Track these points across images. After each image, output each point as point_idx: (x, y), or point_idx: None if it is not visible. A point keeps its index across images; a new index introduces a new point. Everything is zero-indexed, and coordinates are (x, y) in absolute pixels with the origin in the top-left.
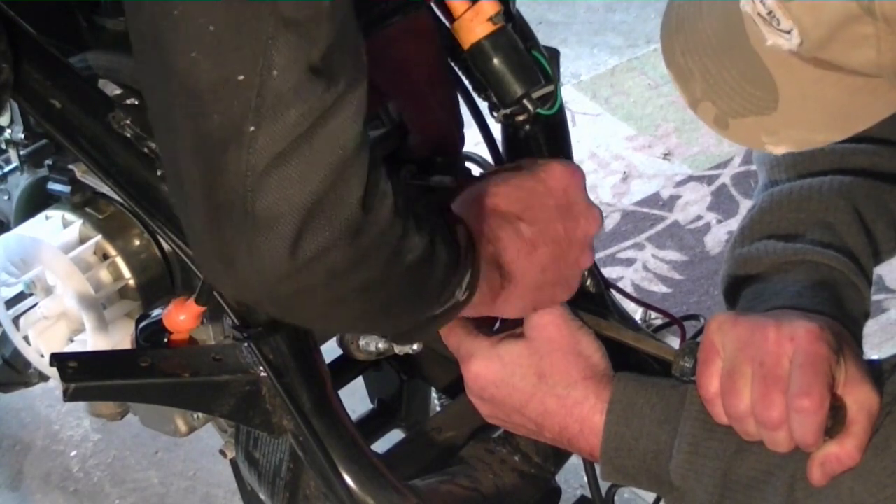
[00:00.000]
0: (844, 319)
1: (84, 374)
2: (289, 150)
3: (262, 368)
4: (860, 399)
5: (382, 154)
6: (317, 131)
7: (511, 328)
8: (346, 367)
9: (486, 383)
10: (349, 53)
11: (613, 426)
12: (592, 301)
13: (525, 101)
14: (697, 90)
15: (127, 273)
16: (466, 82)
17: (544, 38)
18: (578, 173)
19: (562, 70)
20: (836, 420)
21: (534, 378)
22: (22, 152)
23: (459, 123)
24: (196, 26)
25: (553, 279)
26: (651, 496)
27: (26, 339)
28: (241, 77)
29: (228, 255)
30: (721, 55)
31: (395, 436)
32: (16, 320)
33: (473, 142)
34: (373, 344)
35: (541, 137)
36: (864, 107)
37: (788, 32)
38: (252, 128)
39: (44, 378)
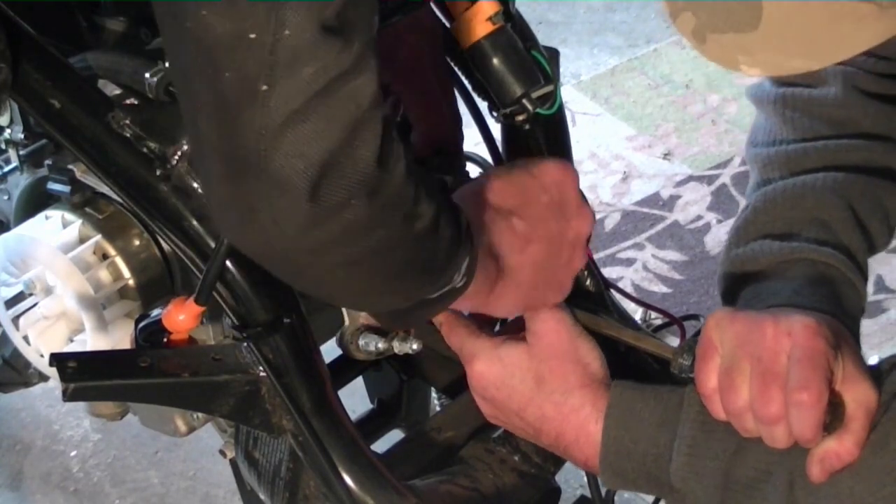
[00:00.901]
0: (842, 316)
1: (84, 374)
2: (304, 108)
3: (261, 368)
4: (858, 395)
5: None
6: (334, 89)
7: (513, 332)
8: (346, 367)
9: (488, 383)
10: (365, 12)
11: (612, 430)
12: (592, 301)
13: (524, 101)
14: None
15: (126, 273)
16: (466, 82)
17: (544, 38)
18: (572, 172)
19: (562, 70)
20: (834, 416)
21: (532, 382)
22: (22, 152)
23: (459, 123)
24: None
25: (545, 277)
26: (651, 496)
27: (26, 339)
28: (253, 35)
29: (247, 211)
30: None
31: (395, 436)
32: (16, 320)
33: (473, 142)
34: (373, 344)
35: (540, 137)
36: (847, 36)
37: None
38: (265, 87)
39: (44, 378)
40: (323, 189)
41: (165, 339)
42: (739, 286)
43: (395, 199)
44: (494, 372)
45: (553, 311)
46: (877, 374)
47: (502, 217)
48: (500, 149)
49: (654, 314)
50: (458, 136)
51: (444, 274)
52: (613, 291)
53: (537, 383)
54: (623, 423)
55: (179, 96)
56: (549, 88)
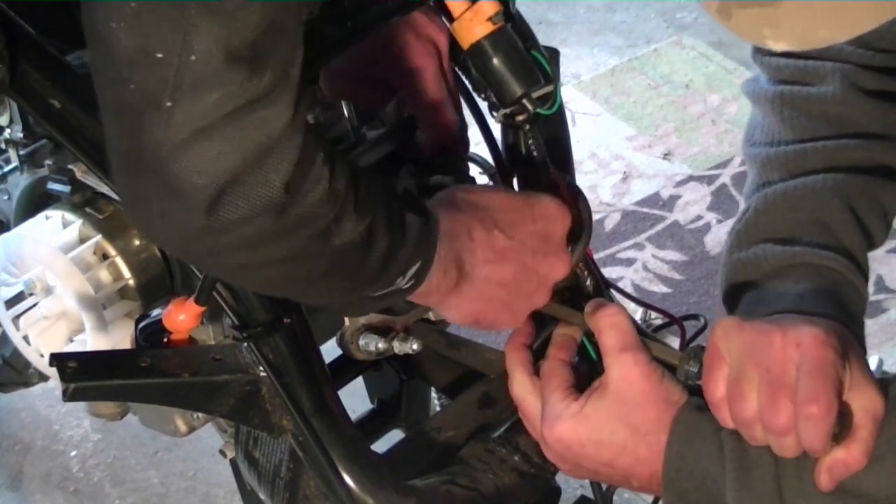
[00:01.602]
0: (847, 321)
1: (84, 374)
2: (209, 128)
3: (261, 368)
4: (865, 403)
5: (334, 139)
6: (241, 116)
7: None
8: (346, 367)
9: (571, 443)
10: (282, 43)
11: (675, 445)
12: None
13: (525, 101)
14: None
15: (127, 273)
16: (466, 82)
17: (544, 38)
18: (567, 214)
19: (562, 70)
20: (842, 425)
21: (626, 432)
22: (22, 152)
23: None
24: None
25: (505, 301)
26: (650, 497)
27: (26, 339)
28: (160, 55)
29: (142, 210)
30: None
31: (395, 436)
32: (16, 320)
33: (473, 142)
34: (372, 344)
35: (541, 137)
36: (870, 6)
37: None
38: (169, 103)
39: (44, 378)
40: (221, 206)
41: (165, 339)
42: (741, 290)
43: (305, 221)
44: (581, 432)
45: (632, 353)
46: (883, 381)
47: (486, 227)
48: (500, 149)
49: (654, 314)
50: (465, 137)
51: (378, 280)
52: (613, 291)
53: (631, 431)
54: (687, 438)
55: (96, 89)
56: (550, 88)
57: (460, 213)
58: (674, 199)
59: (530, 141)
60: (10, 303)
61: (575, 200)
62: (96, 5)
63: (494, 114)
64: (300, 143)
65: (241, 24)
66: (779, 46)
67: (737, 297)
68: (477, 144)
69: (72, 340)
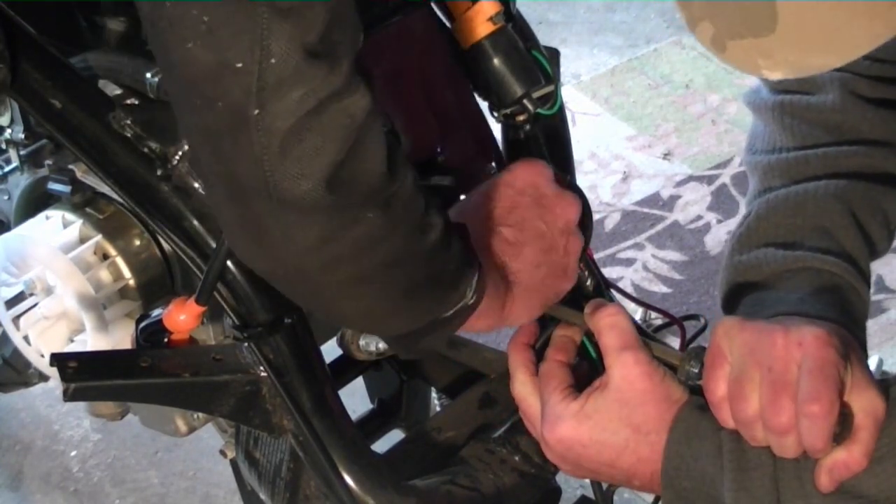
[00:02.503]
0: (848, 324)
1: (84, 374)
2: (297, 127)
3: (262, 368)
4: (866, 404)
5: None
6: (327, 108)
7: (554, 353)
8: (346, 367)
9: (573, 444)
10: (349, 32)
11: (675, 444)
12: None
13: (525, 101)
14: (696, 9)
15: (127, 273)
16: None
17: (544, 38)
18: (543, 167)
19: (562, 70)
20: (843, 426)
21: (627, 431)
22: (22, 152)
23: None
24: (190, 17)
25: (549, 273)
26: (650, 496)
27: (26, 339)
28: (240, 65)
29: (257, 231)
30: None
31: (395, 436)
32: (16, 320)
33: None
34: (373, 344)
35: (541, 137)
36: (862, 30)
37: None
38: (256, 111)
39: (44, 378)
40: (336, 201)
41: (166, 339)
42: (742, 294)
43: (407, 209)
44: (582, 432)
45: (633, 352)
46: (884, 384)
47: (491, 230)
48: (501, 149)
49: (654, 314)
50: (486, 150)
51: (457, 289)
52: (613, 291)
53: (633, 430)
54: (686, 438)
55: (181, 126)
56: (550, 88)
57: (474, 223)
58: (674, 199)
59: (531, 141)
60: (11, 303)
61: None
62: (166, 30)
63: (495, 114)
64: (380, 126)
65: (311, 20)
66: (774, 76)
67: (737, 299)
68: None
69: (72, 340)
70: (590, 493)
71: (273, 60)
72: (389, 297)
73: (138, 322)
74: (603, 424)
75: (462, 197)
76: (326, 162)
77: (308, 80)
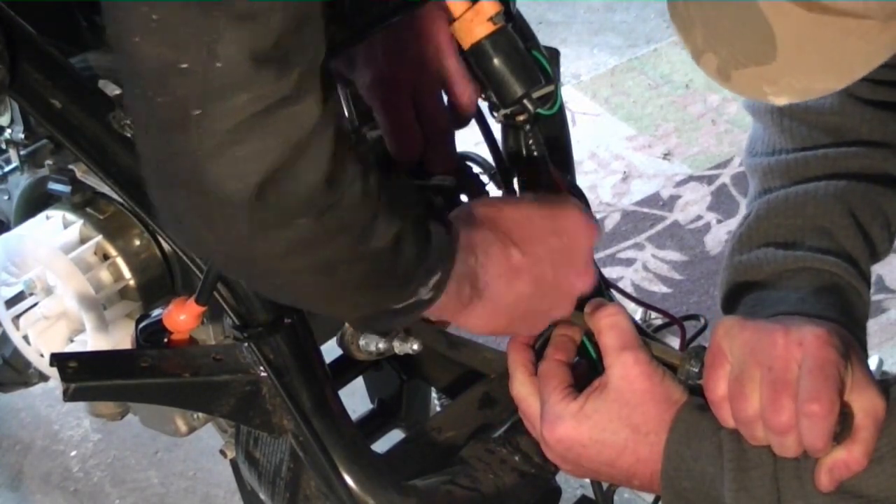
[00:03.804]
0: (849, 324)
1: (84, 374)
2: (239, 129)
3: (262, 368)
4: (866, 404)
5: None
6: (271, 115)
7: (552, 358)
8: (346, 367)
9: (573, 444)
10: (307, 37)
11: (674, 445)
12: None
13: (525, 101)
14: (699, 41)
15: (127, 273)
16: None
17: (544, 38)
18: (595, 227)
19: (562, 70)
20: (843, 426)
21: (627, 432)
22: (22, 152)
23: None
24: (140, 13)
25: (522, 314)
26: (651, 496)
27: (26, 338)
28: (185, 66)
29: (188, 227)
30: (720, 4)
31: (395, 436)
32: (16, 320)
33: (473, 142)
34: (373, 344)
35: (541, 137)
36: (859, 52)
37: None
38: (198, 111)
39: (44, 378)
40: (262, 207)
41: (166, 340)
42: (741, 293)
43: (346, 220)
44: (582, 432)
45: (633, 352)
46: (884, 384)
47: (500, 243)
48: (501, 149)
49: (654, 314)
50: (421, 152)
51: (405, 289)
52: (613, 291)
53: (632, 430)
54: (686, 438)
55: (128, 110)
56: (550, 89)
57: (477, 228)
58: (674, 199)
59: (531, 141)
60: (11, 303)
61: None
62: (118, 21)
63: (495, 114)
64: (333, 136)
65: (266, 26)
66: (780, 101)
67: (736, 299)
68: (477, 144)
69: (72, 340)
70: (590, 493)
71: (219, 65)
72: (325, 291)
73: (138, 322)
74: (602, 424)
75: (463, 198)
76: (262, 168)
77: (254, 87)
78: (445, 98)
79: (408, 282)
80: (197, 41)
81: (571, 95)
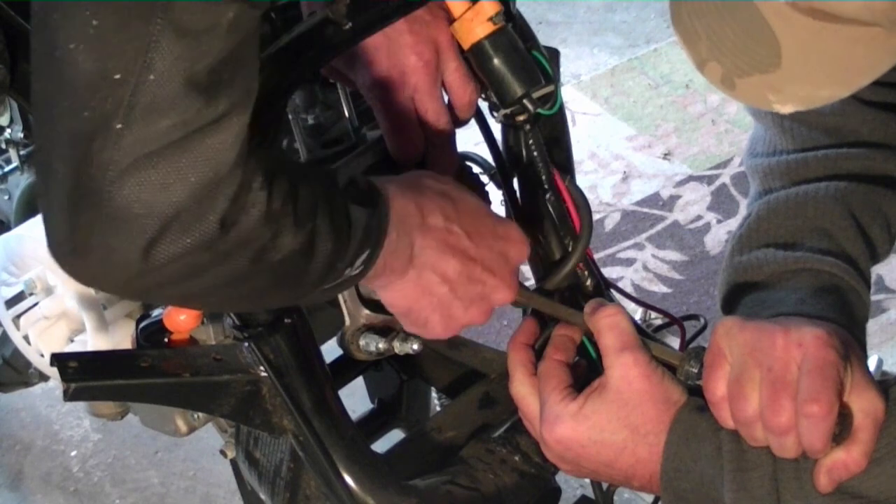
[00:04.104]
0: (849, 325)
1: (84, 373)
2: (155, 155)
3: (262, 368)
4: (866, 405)
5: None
6: (190, 144)
7: (552, 361)
8: (346, 367)
9: (572, 444)
10: (240, 75)
11: (673, 446)
12: None
13: (525, 101)
14: (703, 50)
15: None
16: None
17: (544, 38)
18: (526, 247)
19: (562, 70)
20: (842, 426)
21: (626, 432)
22: (22, 152)
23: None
24: (80, 18)
25: (441, 299)
26: (650, 497)
27: (26, 338)
28: (118, 76)
29: (80, 246)
30: (724, 14)
31: (395, 436)
32: (16, 320)
33: (473, 142)
34: (373, 344)
35: (541, 137)
36: (865, 59)
37: None
38: (120, 125)
39: (44, 378)
40: (161, 240)
41: (166, 339)
42: (741, 294)
43: (241, 246)
44: (581, 432)
45: (632, 353)
46: (884, 384)
47: (445, 216)
48: (501, 149)
49: (654, 314)
50: (422, 153)
51: (328, 276)
52: (613, 291)
53: (631, 431)
54: (685, 439)
55: (34, 116)
56: (550, 88)
57: (421, 195)
58: (674, 199)
59: (531, 141)
60: (11, 303)
61: (575, 200)
62: (54, 28)
63: (495, 114)
64: (240, 177)
65: (205, 48)
66: (786, 109)
67: (736, 299)
68: (477, 144)
69: (72, 340)
70: (590, 493)
71: (152, 77)
72: (232, 301)
73: (138, 322)
74: (602, 425)
75: None
76: (171, 200)
77: (180, 110)
78: (445, 98)
79: (327, 273)
80: (135, 49)
81: (571, 95)
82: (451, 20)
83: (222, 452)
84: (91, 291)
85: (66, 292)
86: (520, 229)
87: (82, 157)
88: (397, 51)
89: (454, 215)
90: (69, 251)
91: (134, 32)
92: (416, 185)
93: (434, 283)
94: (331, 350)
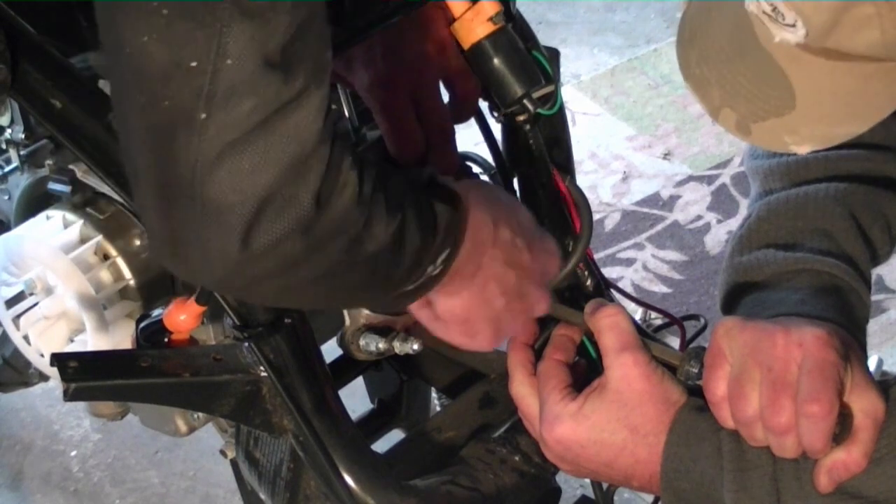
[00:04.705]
0: (849, 326)
1: (84, 373)
2: (242, 141)
3: (262, 368)
4: (866, 405)
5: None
6: (274, 125)
7: (551, 362)
8: (346, 367)
9: (571, 445)
10: (312, 49)
11: (673, 446)
12: None
13: (525, 101)
14: (716, 98)
15: (127, 273)
16: None
17: (544, 38)
18: (559, 263)
19: (562, 70)
20: (842, 427)
21: (625, 432)
22: (22, 152)
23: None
24: (148, 10)
25: (497, 311)
26: (650, 497)
27: (26, 338)
28: (194, 63)
29: (178, 243)
30: (735, 60)
31: (395, 436)
32: (16, 320)
33: (473, 142)
34: (373, 344)
35: (541, 137)
36: (879, 94)
37: (793, 25)
38: (203, 115)
39: (44, 378)
40: (257, 226)
41: (166, 340)
42: (741, 294)
43: (335, 232)
44: (581, 432)
45: (632, 353)
46: (884, 385)
47: (511, 231)
48: (501, 149)
49: (654, 314)
50: (423, 154)
51: (413, 274)
52: (613, 291)
53: (631, 431)
54: (685, 439)
55: (116, 117)
56: (550, 88)
57: (493, 206)
58: (674, 199)
59: (531, 141)
60: (11, 303)
61: (575, 200)
62: (121, 22)
63: (495, 114)
64: (328, 152)
65: (274, 25)
66: (803, 150)
67: (736, 300)
68: (477, 144)
69: (72, 340)
70: (590, 493)
71: (229, 62)
72: (327, 297)
73: (138, 322)
74: (601, 425)
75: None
76: (261, 183)
77: (260, 91)
78: (445, 97)
79: (415, 269)
80: (207, 35)
81: (571, 95)
82: (451, 20)
83: (222, 452)
84: (91, 291)
85: (66, 292)
86: (553, 242)
87: (167, 153)
88: (397, 51)
89: (518, 229)
90: (168, 250)
91: (202, 19)
92: (488, 195)
93: (495, 295)
94: (331, 350)
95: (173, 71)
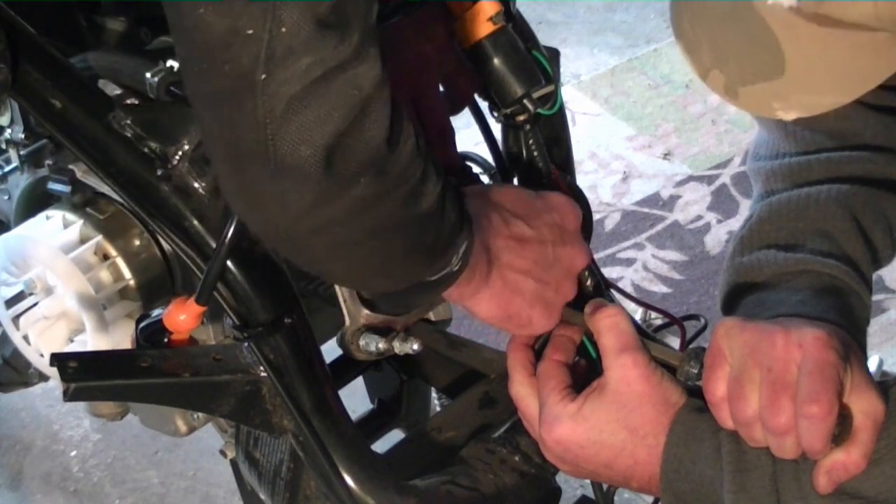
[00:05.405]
0: (849, 327)
1: (84, 373)
2: (304, 94)
3: (262, 368)
4: (866, 406)
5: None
6: (333, 77)
7: (551, 361)
8: (347, 367)
9: (571, 445)
10: (361, 7)
11: (673, 447)
12: None
13: (525, 101)
14: (706, 59)
15: (127, 273)
16: None
17: (544, 38)
18: (577, 208)
19: (562, 70)
20: (842, 427)
21: (624, 433)
22: (22, 152)
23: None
24: None
25: (533, 291)
26: (651, 497)
27: (26, 338)
28: (250, 31)
29: (253, 196)
30: (727, 21)
31: (395, 436)
32: (16, 320)
33: (473, 142)
34: (373, 344)
35: (541, 137)
36: (869, 66)
37: None
38: (263, 75)
39: (44, 378)
40: (332, 168)
41: (166, 340)
42: (741, 295)
43: (402, 177)
44: (580, 433)
45: (631, 354)
46: (884, 386)
47: (503, 218)
48: (501, 149)
49: (654, 314)
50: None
51: (445, 255)
52: (613, 291)
53: (630, 433)
54: (684, 440)
55: (186, 91)
56: (550, 88)
57: (475, 204)
58: (674, 199)
59: (531, 141)
60: (11, 302)
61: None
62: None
63: (495, 114)
64: (389, 96)
65: None
66: (790, 116)
67: (737, 301)
68: (477, 144)
69: (72, 340)
70: (590, 493)
71: (284, 29)
72: (378, 259)
73: (138, 322)
74: (600, 426)
75: None
76: (329, 131)
77: (317, 50)
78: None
79: (448, 247)
80: (262, 6)
81: (571, 95)
82: (451, 20)
83: (222, 452)
84: (91, 291)
85: (66, 292)
86: (560, 194)
87: (235, 116)
88: (396, 51)
89: (507, 213)
90: (248, 206)
91: None
92: (470, 195)
93: (520, 281)
94: (331, 350)
95: (231, 38)
